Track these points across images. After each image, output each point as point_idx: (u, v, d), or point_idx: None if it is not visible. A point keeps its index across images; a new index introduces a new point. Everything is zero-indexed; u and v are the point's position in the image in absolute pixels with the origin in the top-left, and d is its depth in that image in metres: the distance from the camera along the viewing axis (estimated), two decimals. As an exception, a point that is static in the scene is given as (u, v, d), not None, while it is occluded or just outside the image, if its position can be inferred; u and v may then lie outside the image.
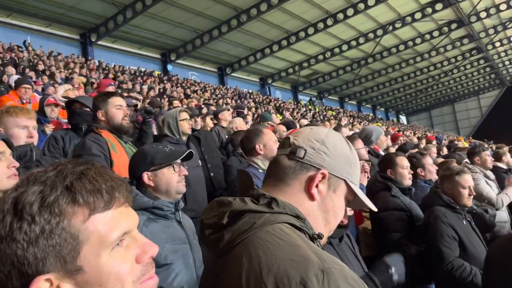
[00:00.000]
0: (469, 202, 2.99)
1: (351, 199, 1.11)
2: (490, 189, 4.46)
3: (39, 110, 4.50)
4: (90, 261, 0.68)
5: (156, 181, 2.03)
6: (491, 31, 28.06)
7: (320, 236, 1.01)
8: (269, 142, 2.94)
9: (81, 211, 0.69)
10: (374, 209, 1.17)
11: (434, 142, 8.50)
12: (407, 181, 3.36)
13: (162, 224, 1.96)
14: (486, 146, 7.93)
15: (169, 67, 24.20)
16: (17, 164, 1.76)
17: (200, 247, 2.12)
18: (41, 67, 12.10)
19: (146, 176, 2.03)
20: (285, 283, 0.81)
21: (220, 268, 0.98)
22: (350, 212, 2.06)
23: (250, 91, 26.59)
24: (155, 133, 4.88)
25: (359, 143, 4.05)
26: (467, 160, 5.14)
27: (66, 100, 5.35)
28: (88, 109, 3.61)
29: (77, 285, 0.68)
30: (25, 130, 2.43)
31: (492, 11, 24.46)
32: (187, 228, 2.09)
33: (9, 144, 1.78)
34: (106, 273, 0.69)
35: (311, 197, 1.05)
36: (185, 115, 3.91)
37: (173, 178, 2.06)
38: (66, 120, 5.16)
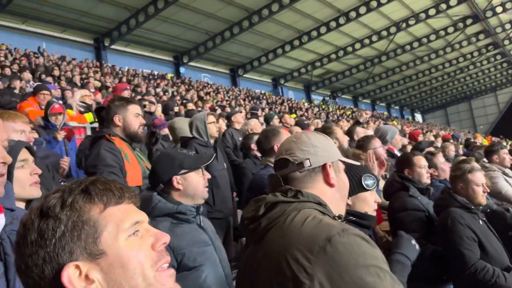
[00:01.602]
0: (483, 199, 2.93)
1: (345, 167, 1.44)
2: (509, 187, 4.37)
3: (44, 116, 4.49)
4: (110, 245, 0.77)
5: (185, 185, 2.03)
6: (508, 26, 27.46)
7: (340, 217, 1.25)
8: None
9: (96, 206, 0.79)
10: (357, 163, 1.63)
11: (451, 140, 8.36)
12: (425, 181, 3.31)
13: (186, 228, 1.98)
14: (504, 144, 7.78)
15: (182, 69, 24.35)
16: (40, 171, 1.75)
17: (223, 248, 2.17)
18: (57, 72, 12.28)
19: (175, 180, 2.02)
20: (314, 241, 1.04)
21: (258, 250, 1.20)
22: (374, 212, 2.03)
23: (263, 92, 26.58)
24: (171, 137, 4.92)
25: (377, 142, 4.00)
26: (484, 159, 5.05)
27: (84, 105, 5.42)
28: None
29: (102, 270, 0.76)
30: (23, 135, 2.40)
31: (508, 5, 23.97)
32: (208, 230, 2.09)
33: (31, 151, 1.78)
34: (126, 255, 0.77)
35: (331, 186, 1.35)
36: (212, 118, 3.97)
37: (200, 183, 2.07)
38: (74, 124, 5.22)
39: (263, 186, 2.72)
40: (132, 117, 2.85)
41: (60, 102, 4.92)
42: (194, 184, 2.05)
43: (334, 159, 1.38)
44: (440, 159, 3.90)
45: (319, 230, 1.07)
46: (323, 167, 1.34)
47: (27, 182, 1.69)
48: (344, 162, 1.43)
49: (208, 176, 2.15)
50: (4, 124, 2.26)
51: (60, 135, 4.28)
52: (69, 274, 0.73)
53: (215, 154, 2.21)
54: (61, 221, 0.75)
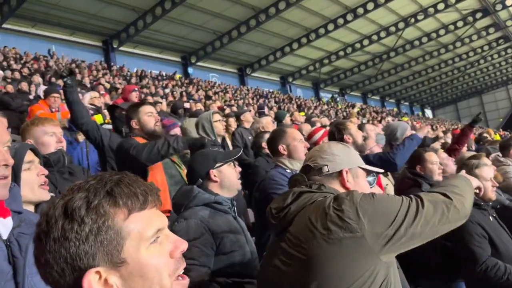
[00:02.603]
0: (493, 195, 2.88)
1: (368, 173, 1.64)
2: (523, 183, 4.29)
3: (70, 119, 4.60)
4: (131, 254, 0.78)
5: (221, 177, 2.23)
6: (518, 19, 27.17)
7: None
8: (292, 142, 2.90)
9: (121, 211, 0.79)
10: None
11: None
12: (437, 177, 3.29)
13: (224, 217, 2.15)
14: (517, 137, 7.65)
15: (190, 70, 24.42)
16: (46, 172, 1.78)
17: (252, 241, 2.32)
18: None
19: (212, 174, 2.22)
20: (344, 197, 1.31)
21: (284, 235, 1.37)
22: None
23: (271, 90, 26.55)
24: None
25: (371, 143, 4.02)
26: (499, 153, 4.97)
27: (94, 107, 5.48)
28: None
29: (122, 277, 0.77)
30: (53, 136, 2.54)
31: (519, -2, 23.67)
32: (241, 222, 2.28)
33: (36, 153, 1.81)
34: (146, 265, 0.78)
35: (347, 189, 1.50)
36: (218, 117, 3.99)
37: (233, 174, 2.28)
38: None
39: (271, 187, 2.72)
40: (146, 117, 3.08)
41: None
42: (229, 176, 2.25)
43: (353, 166, 1.57)
44: (442, 155, 3.86)
45: (348, 195, 1.32)
46: (340, 173, 1.53)
47: (35, 183, 1.71)
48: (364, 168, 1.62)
49: (239, 169, 2.37)
50: (35, 129, 2.50)
51: (81, 136, 4.38)
52: (89, 279, 0.75)
53: (242, 149, 2.44)
54: (85, 225, 0.75)
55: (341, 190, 1.49)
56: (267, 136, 3.60)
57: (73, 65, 15.21)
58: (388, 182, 3.69)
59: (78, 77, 12.66)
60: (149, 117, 3.08)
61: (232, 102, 15.56)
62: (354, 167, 1.57)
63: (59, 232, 0.75)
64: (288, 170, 2.83)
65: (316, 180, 1.52)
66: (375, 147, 3.97)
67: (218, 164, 2.24)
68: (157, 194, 0.86)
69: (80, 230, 0.75)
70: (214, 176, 2.22)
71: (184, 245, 0.86)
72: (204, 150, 2.45)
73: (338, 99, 32.38)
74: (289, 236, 1.35)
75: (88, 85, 11.44)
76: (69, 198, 0.78)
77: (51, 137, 2.53)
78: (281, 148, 2.90)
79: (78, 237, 0.75)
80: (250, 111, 8.58)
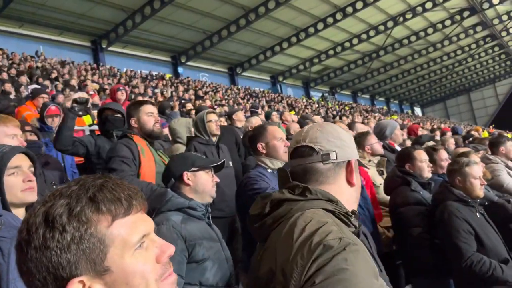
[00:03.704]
0: (481, 192, 2.94)
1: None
2: (510, 180, 4.34)
3: (40, 118, 4.44)
4: (116, 261, 0.75)
5: (194, 181, 2.22)
6: (505, 17, 27.49)
7: (353, 212, 1.17)
8: (272, 140, 2.76)
9: (104, 218, 0.75)
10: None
11: (449, 133, 8.29)
12: (427, 175, 3.30)
13: (197, 223, 2.10)
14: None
15: (180, 69, 24.32)
16: (33, 178, 1.72)
17: (227, 248, 2.25)
18: (54, 75, 12.24)
19: (186, 176, 2.20)
20: (308, 243, 1.01)
21: (264, 248, 1.17)
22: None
23: (262, 89, 26.55)
24: (170, 137, 4.90)
25: (373, 138, 4.00)
26: (484, 150, 5.02)
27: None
28: (119, 115, 3.72)
29: (106, 285, 0.75)
30: (14, 139, 2.26)
31: (505, -4, 23.97)
32: (215, 229, 2.23)
33: (29, 156, 1.74)
34: (131, 272, 0.76)
35: (351, 185, 1.25)
36: (212, 117, 3.96)
37: (208, 181, 2.25)
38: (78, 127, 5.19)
39: (246, 193, 2.62)
40: (145, 117, 3.06)
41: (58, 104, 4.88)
42: (202, 181, 2.22)
43: (356, 157, 1.30)
44: (441, 156, 3.84)
45: (316, 234, 1.02)
46: (348, 163, 1.25)
47: (19, 189, 1.65)
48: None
49: (217, 179, 2.33)
50: None
51: None
52: None
53: (224, 160, 2.41)
54: (67, 233, 0.72)
55: (343, 186, 1.25)
56: (252, 135, 3.57)
57: (67, 67, 15.01)
58: (382, 182, 3.67)
59: (67, 77, 12.53)
60: (149, 117, 3.05)
61: (223, 102, 15.53)
62: (356, 158, 1.29)
63: (39, 241, 0.73)
64: (269, 170, 2.71)
65: (317, 170, 1.23)
66: (376, 144, 3.96)
67: (194, 168, 2.22)
68: (142, 197, 0.82)
69: (62, 238, 0.72)
70: (188, 179, 2.20)
71: (171, 249, 0.82)
72: (185, 153, 2.45)
73: (328, 98, 32.51)
74: (263, 252, 1.18)
75: (76, 86, 11.30)
76: (50, 205, 0.75)
77: (11, 139, 2.24)
78: (260, 146, 2.76)
79: (59, 246, 0.72)
80: (242, 110, 8.58)
